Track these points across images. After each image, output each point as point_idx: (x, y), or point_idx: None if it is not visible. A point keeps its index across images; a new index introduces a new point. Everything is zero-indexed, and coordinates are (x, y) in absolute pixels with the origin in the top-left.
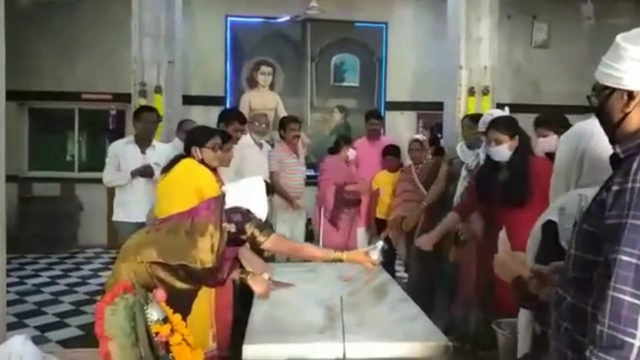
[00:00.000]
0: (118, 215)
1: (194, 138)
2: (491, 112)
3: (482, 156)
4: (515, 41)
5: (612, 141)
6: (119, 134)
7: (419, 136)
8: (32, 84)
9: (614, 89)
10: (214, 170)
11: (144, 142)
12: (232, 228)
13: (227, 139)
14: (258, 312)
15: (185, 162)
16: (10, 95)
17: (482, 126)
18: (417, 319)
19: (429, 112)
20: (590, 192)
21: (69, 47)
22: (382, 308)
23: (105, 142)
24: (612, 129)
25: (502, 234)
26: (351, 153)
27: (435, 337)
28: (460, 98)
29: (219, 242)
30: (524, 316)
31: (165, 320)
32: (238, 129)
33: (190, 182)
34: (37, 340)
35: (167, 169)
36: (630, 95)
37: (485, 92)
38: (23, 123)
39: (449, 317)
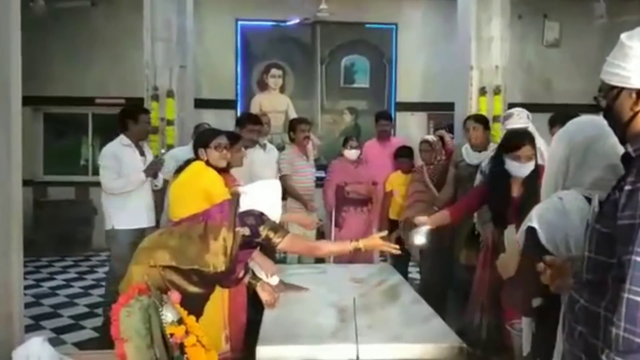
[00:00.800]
0: (120, 223)
1: (199, 140)
2: (511, 113)
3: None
4: (526, 40)
5: (623, 141)
6: None
7: (429, 137)
8: (47, 90)
9: (622, 89)
10: (225, 171)
11: (139, 143)
12: (246, 231)
13: (237, 140)
14: (271, 314)
15: (194, 165)
16: (25, 101)
17: (507, 125)
18: (430, 321)
19: (440, 113)
20: (572, 195)
21: (82, 53)
22: (395, 309)
23: None
24: (622, 128)
25: (510, 232)
26: (348, 153)
27: (448, 339)
28: (471, 98)
29: (232, 246)
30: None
31: (180, 321)
32: (253, 130)
33: (197, 185)
34: (53, 342)
35: (178, 171)
36: (639, 93)
37: (497, 91)
38: (38, 128)
39: (460, 320)
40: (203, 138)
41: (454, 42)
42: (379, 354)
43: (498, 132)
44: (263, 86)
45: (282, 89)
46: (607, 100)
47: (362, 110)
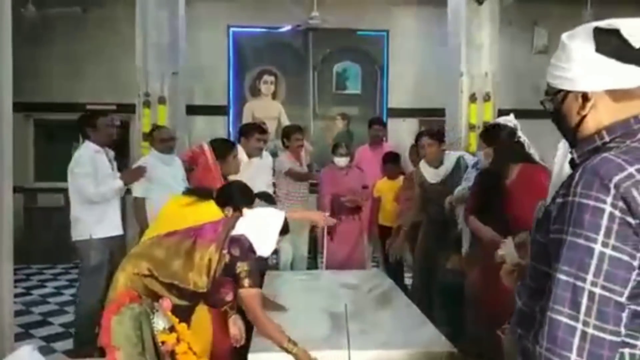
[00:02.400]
0: (98, 232)
1: (237, 198)
2: (497, 122)
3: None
4: (516, 47)
5: (572, 145)
6: (124, 144)
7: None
8: (37, 96)
9: (568, 92)
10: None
11: (104, 149)
12: (226, 258)
13: (232, 147)
14: None
15: (207, 206)
16: (16, 107)
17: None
18: (422, 326)
19: (432, 119)
20: None
21: (73, 59)
22: (386, 315)
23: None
24: (571, 133)
25: (509, 242)
26: (338, 161)
27: (440, 344)
28: (462, 105)
29: (216, 268)
30: None
31: (172, 329)
32: (260, 139)
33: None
34: (44, 351)
35: (188, 193)
36: (585, 97)
37: (487, 98)
38: (28, 134)
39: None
40: (243, 199)
41: (445, 48)
42: (371, 359)
43: None
44: (255, 92)
45: (274, 95)
46: (554, 104)
47: (354, 116)
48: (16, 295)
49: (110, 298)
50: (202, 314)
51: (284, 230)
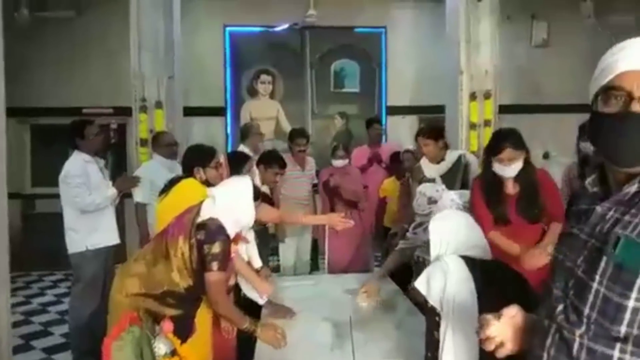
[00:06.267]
0: (94, 242)
1: (195, 159)
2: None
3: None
4: (515, 41)
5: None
6: (121, 147)
7: (410, 146)
8: (33, 101)
9: None
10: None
11: (96, 158)
12: (195, 245)
13: (247, 160)
14: None
15: (186, 183)
16: (12, 112)
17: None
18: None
19: (431, 116)
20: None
21: (68, 63)
22: (390, 322)
23: (108, 156)
24: None
25: (511, 312)
26: (336, 163)
27: None
28: (462, 103)
29: (190, 257)
30: None
31: (173, 353)
32: (278, 174)
33: (190, 204)
34: None
35: (165, 190)
36: None
37: (487, 96)
38: (25, 140)
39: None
40: (201, 156)
41: (443, 44)
42: None
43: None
44: (253, 92)
45: (272, 95)
46: None
47: (352, 114)
48: (16, 305)
49: (110, 321)
50: (203, 319)
51: (257, 195)
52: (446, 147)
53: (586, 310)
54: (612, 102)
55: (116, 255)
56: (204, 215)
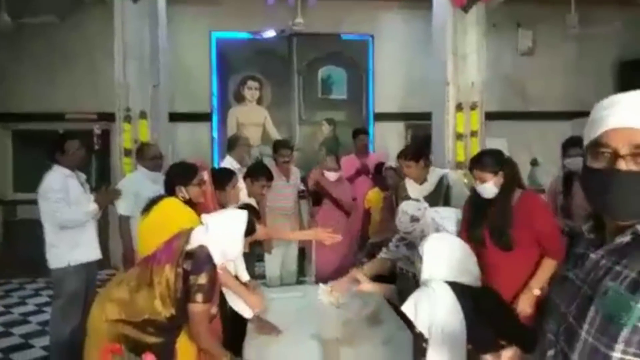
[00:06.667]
0: (75, 259)
1: (177, 177)
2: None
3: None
4: (501, 49)
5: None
6: (105, 153)
7: (392, 163)
8: (15, 106)
9: None
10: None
11: (76, 172)
12: (181, 275)
13: (230, 178)
14: (252, 349)
15: (167, 202)
16: None
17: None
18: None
19: (418, 123)
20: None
21: (51, 68)
22: (379, 339)
23: (92, 162)
24: None
25: (509, 354)
26: (328, 175)
27: None
28: (448, 114)
29: (175, 285)
30: None
31: None
32: (265, 186)
33: (173, 223)
34: None
35: (146, 209)
36: None
37: (473, 107)
38: (6, 145)
39: None
40: (183, 174)
41: (430, 52)
42: None
43: (476, 148)
44: (240, 98)
45: (259, 101)
46: None
47: (340, 121)
48: None
49: (87, 345)
50: (186, 356)
51: (251, 230)
52: (428, 164)
53: (575, 358)
54: (600, 158)
55: (100, 265)
56: (193, 243)
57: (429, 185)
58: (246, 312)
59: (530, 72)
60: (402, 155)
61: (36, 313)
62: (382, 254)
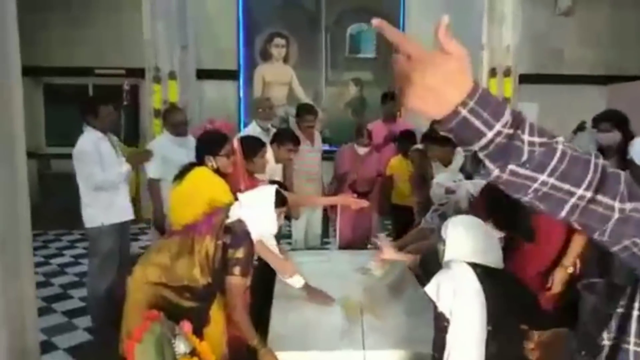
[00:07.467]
0: (110, 218)
1: (206, 147)
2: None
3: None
4: (538, 9)
5: None
6: (134, 108)
7: (420, 145)
8: (45, 60)
9: None
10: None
11: (108, 134)
12: (220, 247)
13: (260, 147)
14: (278, 317)
15: (198, 172)
16: (24, 72)
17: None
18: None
19: None
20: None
21: (80, 23)
22: (401, 307)
23: (121, 117)
24: None
25: None
26: (358, 149)
27: None
28: (481, 79)
29: (214, 257)
30: None
31: (193, 353)
32: (292, 151)
33: (203, 194)
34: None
35: (178, 177)
36: None
37: (507, 74)
38: (38, 99)
39: None
40: (212, 145)
41: (465, 12)
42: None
43: None
44: (266, 56)
45: (285, 59)
46: None
47: (367, 81)
48: (35, 265)
49: (127, 309)
50: (217, 325)
51: (282, 202)
52: (454, 146)
53: None
54: None
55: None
56: (232, 217)
57: (454, 167)
58: (297, 282)
59: (567, 34)
60: (426, 138)
61: (73, 265)
62: (423, 224)
